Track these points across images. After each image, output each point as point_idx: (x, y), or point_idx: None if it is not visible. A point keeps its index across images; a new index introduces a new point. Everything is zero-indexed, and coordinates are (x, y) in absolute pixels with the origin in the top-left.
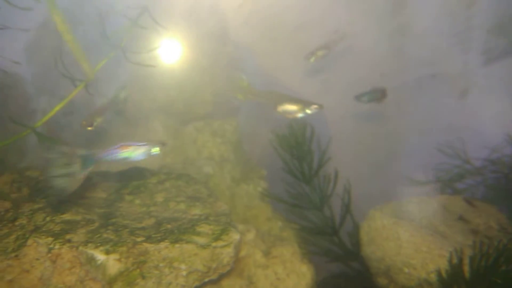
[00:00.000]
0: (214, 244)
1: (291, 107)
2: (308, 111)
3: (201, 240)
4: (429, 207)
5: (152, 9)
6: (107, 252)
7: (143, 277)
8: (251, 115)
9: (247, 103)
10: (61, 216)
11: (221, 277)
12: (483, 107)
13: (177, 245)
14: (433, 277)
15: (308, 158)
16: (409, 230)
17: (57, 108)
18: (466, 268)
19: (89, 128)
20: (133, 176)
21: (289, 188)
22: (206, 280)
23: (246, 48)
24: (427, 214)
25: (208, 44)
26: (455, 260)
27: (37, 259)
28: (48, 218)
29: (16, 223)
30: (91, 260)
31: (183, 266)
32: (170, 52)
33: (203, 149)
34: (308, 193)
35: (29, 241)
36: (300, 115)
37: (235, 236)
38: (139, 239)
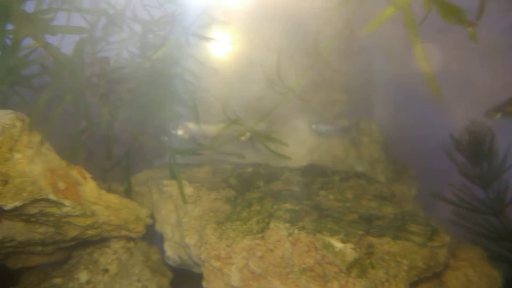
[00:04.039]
0: (430, 244)
1: None
2: None
3: (417, 239)
4: None
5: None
6: (343, 241)
7: (373, 267)
8: (383, 116)
9: (379, 105)
10: (284, 205)
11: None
12: None
13: (398, 242)
14: None
15: (488, 162)
16: None
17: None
18: None
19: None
20: (316, 173)
21: (458, 191)
22: (422, 276)
23: (381, 54)
24: None
25: (337, 44)
26: None
27: (279, 241)
28: (275, 206)
29: (252, 209)
30: (328, 246)
31: (405, 261)
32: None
33: (350, 148)
34: (482, 198)
35: (271, 225)
36: None
37: (447, 238)
38: (360, 232)
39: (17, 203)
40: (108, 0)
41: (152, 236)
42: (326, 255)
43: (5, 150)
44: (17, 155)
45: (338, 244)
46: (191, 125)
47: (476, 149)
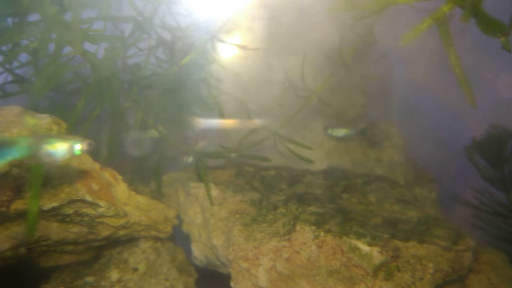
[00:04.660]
0: (455, 247)
1: None
2: None
3: (442, 242)
4: None
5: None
6: (369, 244)
7: (399, 270)
8: (402, 119)
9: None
10: (308, 208)
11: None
12: None
13: (424, 245)
14: None
15: (510, 166)
16: None
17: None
18: None
19: None
20: (337, 176)
21: (478, 195)
22: (447, 279)
23: (397, 58)
24: None
25: (358, 49)
26: None
27: (305, 243)
28: (300, 209)
29: (278, 211)
30: (354, 249)
31: (430, 265)
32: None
33: (369, 151)
34: (503, 202)
35: (297, 227)
36: None
37: (471, 242)
38: (385, 236)
39: (55, 204)
40: (136, 7)
41: (174, 237)
42: (352, 257)
43: None
44: None
45: (364, 247)
46: (207, 122)
47: (497, 153)
